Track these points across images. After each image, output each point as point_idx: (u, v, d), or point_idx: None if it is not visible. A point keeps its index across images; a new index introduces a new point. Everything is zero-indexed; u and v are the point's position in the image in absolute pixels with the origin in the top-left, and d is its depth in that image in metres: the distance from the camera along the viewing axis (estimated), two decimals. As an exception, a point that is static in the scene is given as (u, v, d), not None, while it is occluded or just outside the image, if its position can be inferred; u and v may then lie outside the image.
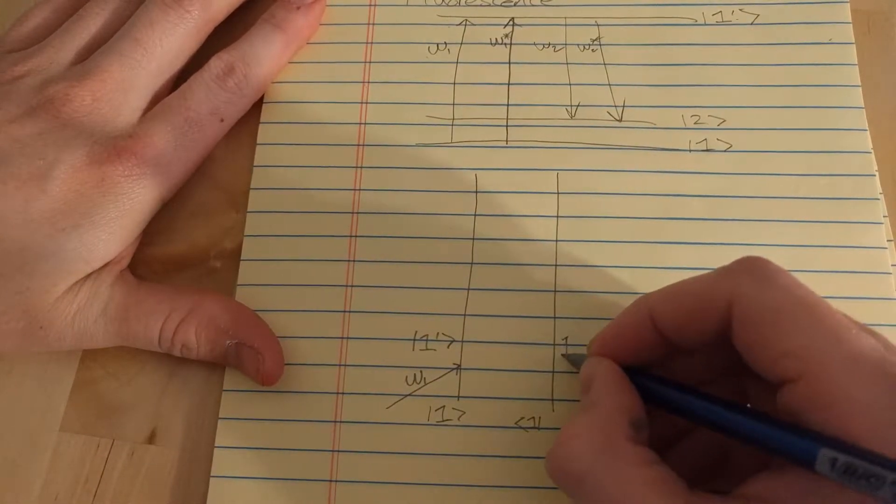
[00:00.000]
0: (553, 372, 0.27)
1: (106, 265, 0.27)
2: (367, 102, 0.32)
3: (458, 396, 0.27)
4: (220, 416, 0.27)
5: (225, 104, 0.30)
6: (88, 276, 0.27)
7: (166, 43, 0.29)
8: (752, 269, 0.22)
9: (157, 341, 0.27)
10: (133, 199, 0.27)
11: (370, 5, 0.33)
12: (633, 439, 0.21)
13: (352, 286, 0.29)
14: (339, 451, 0.27)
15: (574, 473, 0.21)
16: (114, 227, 0.27)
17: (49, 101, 0.27)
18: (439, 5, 0.33)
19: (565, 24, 0.33)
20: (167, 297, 0.27)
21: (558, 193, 0.30)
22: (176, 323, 0.27)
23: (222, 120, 0.30)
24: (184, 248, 0.30)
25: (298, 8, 0.31)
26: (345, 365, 0.28)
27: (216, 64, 0.30)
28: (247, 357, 0.27)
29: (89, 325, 0.27)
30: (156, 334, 0.27)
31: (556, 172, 0.30)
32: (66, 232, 0.26)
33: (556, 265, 0.29)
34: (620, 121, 0.31)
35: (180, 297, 0.27)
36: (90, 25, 0.30)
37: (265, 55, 0.31)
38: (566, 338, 0.28)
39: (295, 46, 0.32)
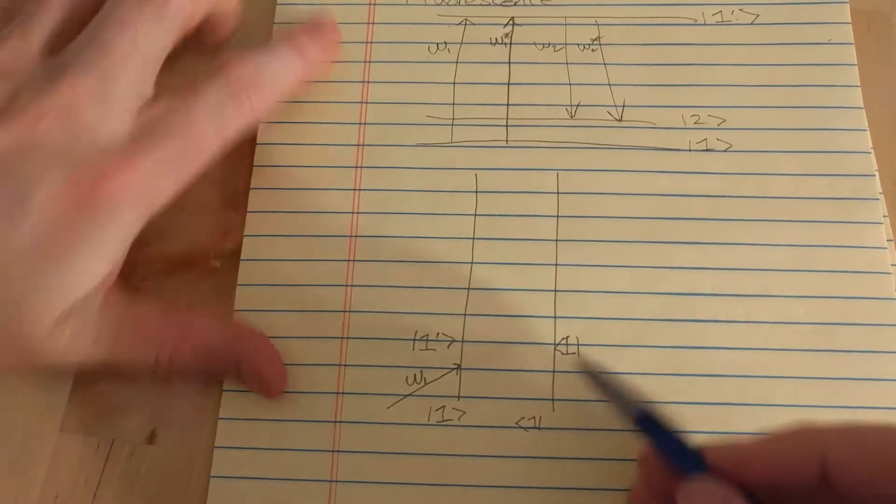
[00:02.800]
0: (553, 372, 0.27)
1: (93, 289, 0.26)
2: (367, 102, 0.32)
3: (459, 396, 0.27)
4: (220, 416, 0.27)
5: (228, 123, 0.27)
6: (75, 304, 0.25)
7: (142, 45, 0.26)
8: None
9: (152, 369, 0.26)
10: (117, 223, 0.25)
11: (370, 4, 0.33)
12: None
13: (352, 286, 0.29)
14: (339, 451, 0.27)
15: None
16: (97, 254, 0.25)
17: (21, 112, 0.25)
18: (439, 5, 0.33)
19: (565, 24, 0.33)
20: (156, 324, 0.27)
21: (558, 193, 0.30)
22: (169, 352, 0.26)
23: (222, 139, 0.27)
24: (184, 248, 0.30)
25: (319, 40, 0.30)
26: (345, 365, 0.28)
27: (224, 80, 0.27)
28: (247, 373, 0.27)
29: (81, 357, 0.26)
30: (150, 364, 0.26)
31: (556, 172, 0.30)
32: (50, 262, 0.24)
33: (556, 265, 0.29)
34: (620, 121, 0.31)
35: (169, 324, 0.27)
36: (55, 8, 0.27)
37: (281, 79, 0.29)
38: (566, 338, 0.28)
39: (305, 77, 0.30)
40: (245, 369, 0.27)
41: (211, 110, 0.26)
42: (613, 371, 0.26)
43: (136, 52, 0.26)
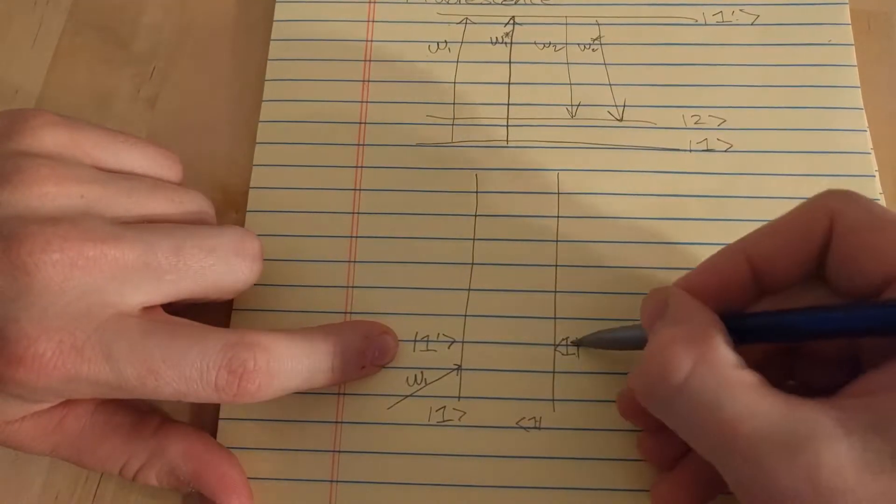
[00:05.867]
0: (553, 372, 0.27)
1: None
2: (367, 102, 0.31)
3: (459, 397, 0.27)
4: (220, 416, 0.27)
5: (203, 400, 0.23)
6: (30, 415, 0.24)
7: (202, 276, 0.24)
8: (847, 192, 0.23)
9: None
10: (23, 401, 0.23)
11: (370, 2, 0.33)
12: (730, 346, 0.21)
13: (352, 287, 0.29)
14: (340, 451, 0.27)
15: (672, 383, 0.20)
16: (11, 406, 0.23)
17: (21, 239, 0.21)
18: (440, 3, 0.33)
19: (566, 24, 0.33)
20: (122, 441, 0.25)
21: (559, 193, 0.30)
22: (134, 470, 0.25)
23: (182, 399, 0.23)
24: (184, 247, 0.30)
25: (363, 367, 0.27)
26: (346, 366, 0.28)
27: (238, 361, 0.23)
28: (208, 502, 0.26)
29: (45, 455, 0.25)
30: (114, 474, 0.25)
31: (556, 172, 0.30)
32: None
33: (556, 265, 0.29)
34: (621, 120, 0.31)
35: (138, 443, 0.25)
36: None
37: (312, 381, 0.25)
38: (566, 338, 0.28)
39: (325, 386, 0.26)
40: (205, 500, 0.26)
41: (189, 377, 0.23)
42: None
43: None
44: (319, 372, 0.25)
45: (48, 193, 0.22)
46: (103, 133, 0.26)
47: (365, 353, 0.27)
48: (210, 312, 0.29)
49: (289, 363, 0.24)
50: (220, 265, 0.25)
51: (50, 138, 0.24)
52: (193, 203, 0.26)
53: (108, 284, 0.22)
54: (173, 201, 0.25)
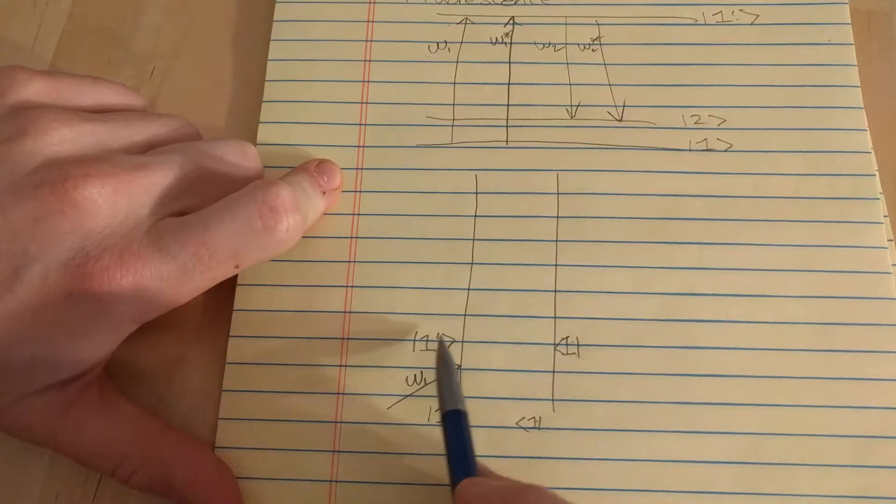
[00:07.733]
0: (553, 372, 0.27)
1: (69, 379, 0.25)
2: (367, 103, 0.32)
3: (459, 397, 0.27)
4: (219, 416, 0.27)
5: (253, 250, 0.26)
6: (45, 390, 0.24)
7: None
8: None
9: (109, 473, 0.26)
10: (105, 323, 0.24)
11: (370, 2, 0.33)
12: None
13: (352, 287, 0.29)
14: (339, 451, 0.27)
15: None
16: (78, 348, 0.24)
17: (63, 179, 0.23)
18: (439, 3, 0.33)
19: (565, 24, 0.33)
20: (122, 441, 0.25)
21: (558, 194, 0.30)
22: (128, 473, 0.25)
23: (237, 266, 0.26)
24: (184, 247, 0.30)
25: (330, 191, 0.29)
26: (345, 366, 0.28)
27: (259, 203, 0.25)
28: None
29: (42, 443, 0.25)
30: (107, 472, 0.26)
31: (556, 173, 0.30)
32: (23, 343, 0.23)
33: (556, 265, 0.29)
34: (620, 121, 0.31)
35: (137, 445, 0.25)
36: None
37: (315, 211, 0.28)
38: (566, 338, 0.28)
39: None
40: None
41: (234, 230, 0.25)
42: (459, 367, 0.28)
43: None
44: (315, 197, 0.28)
45: (66, 136, 0.25)
46: (73, 77, 0.28)
47: (318, 183, 0.29)
48: (211, 312, 0.29)
49: (298, 193, 0.27)
50: (231, 169, 0.27)
51: (35, 88, 0.26)
52: (180, 124, 0.28)
53: (147, 202, 0.25)
54: (165, 125, 0.28)
